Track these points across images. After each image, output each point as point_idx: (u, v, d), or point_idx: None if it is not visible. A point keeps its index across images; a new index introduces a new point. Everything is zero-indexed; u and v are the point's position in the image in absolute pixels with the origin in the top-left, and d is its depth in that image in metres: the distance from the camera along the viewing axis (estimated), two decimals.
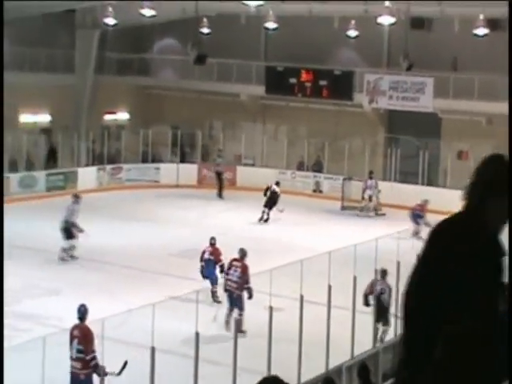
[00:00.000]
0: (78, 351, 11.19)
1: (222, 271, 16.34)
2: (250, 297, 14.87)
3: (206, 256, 17.11)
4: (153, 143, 31.93)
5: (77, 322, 11.60)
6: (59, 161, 30.15)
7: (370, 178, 27.69)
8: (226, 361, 11.86)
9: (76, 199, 20.68)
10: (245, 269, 15.30)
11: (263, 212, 25.49)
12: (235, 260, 15.72)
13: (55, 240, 21.73)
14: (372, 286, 14.51)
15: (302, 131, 31.78)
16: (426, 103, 28.39)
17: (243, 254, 15.70)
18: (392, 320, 14.19)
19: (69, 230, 19.71)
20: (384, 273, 14.55)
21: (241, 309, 14.82)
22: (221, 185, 29.75)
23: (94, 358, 11.05)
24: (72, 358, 11.15)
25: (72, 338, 11.31)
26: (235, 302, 15.00)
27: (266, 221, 25.42)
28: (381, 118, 30.98)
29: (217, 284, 16.59)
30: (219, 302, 16.28)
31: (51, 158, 30.56)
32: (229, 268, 15.62)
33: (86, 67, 31.64)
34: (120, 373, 10.74)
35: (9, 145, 27.35)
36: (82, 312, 11.76)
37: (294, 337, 12.53)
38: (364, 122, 30.49)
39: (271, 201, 25.65)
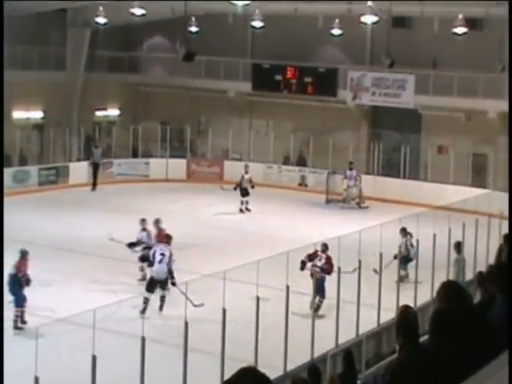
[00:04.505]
0: None
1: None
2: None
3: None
4: (142, 139, 31.81)
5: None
6: (51, 156, 29.99)
7: (350, 168, 27.72)
8: (214, 350, 11.82)
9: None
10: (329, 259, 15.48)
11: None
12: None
13: (46, 233, 21.65)
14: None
15: (287, 127, 31.73)
16: (407, 99, 28.41)
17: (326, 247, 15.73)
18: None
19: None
20: (404, 231, 17.27)
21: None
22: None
23: None
24: None
25: None
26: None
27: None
28: (364, 113, 30.98)
29: None
30: None
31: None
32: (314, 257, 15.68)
33: (77, 65, 31.49)
34: None
35: (2, 140, 27.18)
36: None
37: (281, 326, 12.49)
38: (348, 118, 30.49)
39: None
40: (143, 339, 10.35)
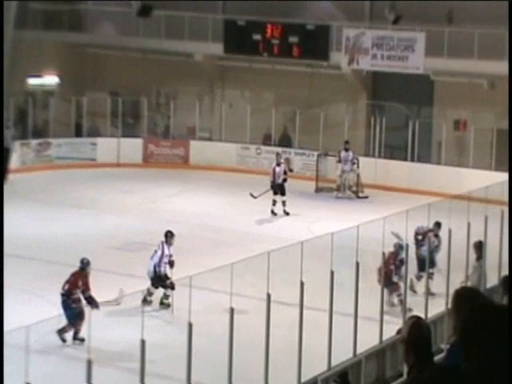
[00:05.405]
0: None
1: None
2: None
3: None
4: (88, 113, 31.69)
5: None
6: None
7: (346, 149, 27.76)
8: (177, 374, 11.82)
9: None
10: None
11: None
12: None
13: None
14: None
15: (268, 98, 31.74)
16: (416, 63, 28.47)
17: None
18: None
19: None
20: (438, 225, 17.49)
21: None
22: None
23: None
24: None
25: None
26: None
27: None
28: (363, 81, 31.03)
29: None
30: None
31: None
32: None
33: (3, 21, 31.20)
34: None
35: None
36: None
37: (260, 344, 12.52)
38: (343, 87, 30.53)
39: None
40: (89, 362, 10.32)
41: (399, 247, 16.32)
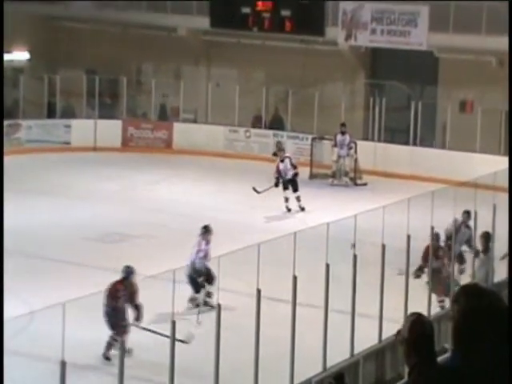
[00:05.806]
0: None
1: None
2: None
3: None
4: (62, 92, 31.61)
5: None
6: None
7: (342, 132, 27.75)
8: (159, 377, 11.83)
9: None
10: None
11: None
12: None
13: None
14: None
15: (258, 76, 31.70)
16: (419, 39, 28.48)
17: None
18: None
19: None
20: (468, 214, 17.25)
21: None
22: None
23: None
24: None
25: None
26: None
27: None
28: (361, 58, 31.03)
29: None
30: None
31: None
32: None
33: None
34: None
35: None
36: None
37: (249, 343, 12.54)
38: (339, 65, 30.51)
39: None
40: (63, 364, 10.34)
41: (438, 238, 16.25)
